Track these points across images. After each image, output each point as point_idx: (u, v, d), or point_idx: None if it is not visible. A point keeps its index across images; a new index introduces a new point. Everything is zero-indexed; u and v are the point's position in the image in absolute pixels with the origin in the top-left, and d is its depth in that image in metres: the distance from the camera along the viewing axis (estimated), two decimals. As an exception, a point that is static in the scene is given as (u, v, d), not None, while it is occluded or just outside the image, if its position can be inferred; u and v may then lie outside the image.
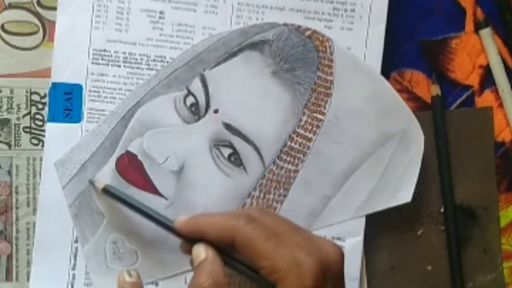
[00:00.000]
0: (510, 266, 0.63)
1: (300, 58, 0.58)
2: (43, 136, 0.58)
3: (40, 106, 0.59)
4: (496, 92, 0.62)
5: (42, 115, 0.59)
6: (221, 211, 0.57)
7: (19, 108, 0.58)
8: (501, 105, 0.62)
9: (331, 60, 0.59)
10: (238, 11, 0.59)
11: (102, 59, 0.58)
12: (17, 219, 0.59)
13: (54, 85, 0.58)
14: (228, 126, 0.57)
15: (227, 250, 0.50)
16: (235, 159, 0.57)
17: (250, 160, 0.57)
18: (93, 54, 0.58)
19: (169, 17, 0.58)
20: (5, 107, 0.58)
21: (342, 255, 0.49)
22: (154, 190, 0.57)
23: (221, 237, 0.49)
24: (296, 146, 0.58)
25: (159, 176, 0.57)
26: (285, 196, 0.58)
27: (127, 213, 0.57)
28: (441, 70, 0.62)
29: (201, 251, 0.49)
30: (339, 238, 0.59)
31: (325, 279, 0.47)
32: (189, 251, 0.51)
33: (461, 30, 0.62)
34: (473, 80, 0.62)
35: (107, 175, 0.57)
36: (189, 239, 0.51)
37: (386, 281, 0.61)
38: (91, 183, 0.57)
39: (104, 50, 0.58)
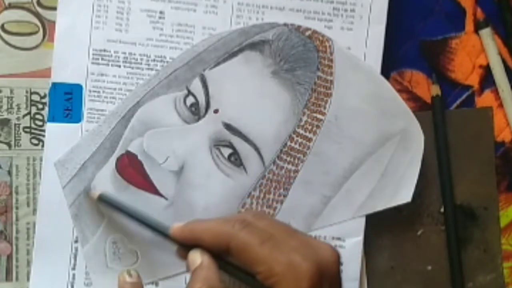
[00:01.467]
0: (510, 266, 0.63)
1: (300, 58, 0.58)
2: (43, 136, 0.58)
3: (40, 106, 0.59)
4: (496, 92, 0.62)
5: (42, 115, 0.59)
6: (221, 211, 0.57)
7: (19, 108, 0.58)
8: (501, 105, 0.62)
9: (331, 60, 0.59)
10: (238, 11, 0.59)
11: (102, 59, 0.58)
12: (17, 219, 0.59)
13: (54, 85, 0.58)
14: (228, 126, 0.57)
15: (224, 255, 0.49)
16: (235, 159, 0.57)
17: (250, 160, 0.57)
18: (93, 54, 0.58)
19: (169, 17, 0.58)
20: (5, 107, 0.58)
21: (338, 256, 0.49)
22: (154, 190, 0.57)
23: (216, 243, 0.49)
24: (296, 146, 0.58)
25: (159, 176, 0.57)
26: (285, 196, 0.58)
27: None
28: (441, 70, 0.62)
29: (196, 257, 0.49)
30: (339, 238, 0.59)
31: (322, 281, 0.47)
32: (185, 257, 0.50)
33: (461, 30, 0.62)
34: (473, 80, 0.62)
35: (107, 175, 0.57)
36: (185, 246, 0.50)
37: (386, 281, 0.61)
38: (87, 193, 0.57)
39: (104, 50, 0.58)
